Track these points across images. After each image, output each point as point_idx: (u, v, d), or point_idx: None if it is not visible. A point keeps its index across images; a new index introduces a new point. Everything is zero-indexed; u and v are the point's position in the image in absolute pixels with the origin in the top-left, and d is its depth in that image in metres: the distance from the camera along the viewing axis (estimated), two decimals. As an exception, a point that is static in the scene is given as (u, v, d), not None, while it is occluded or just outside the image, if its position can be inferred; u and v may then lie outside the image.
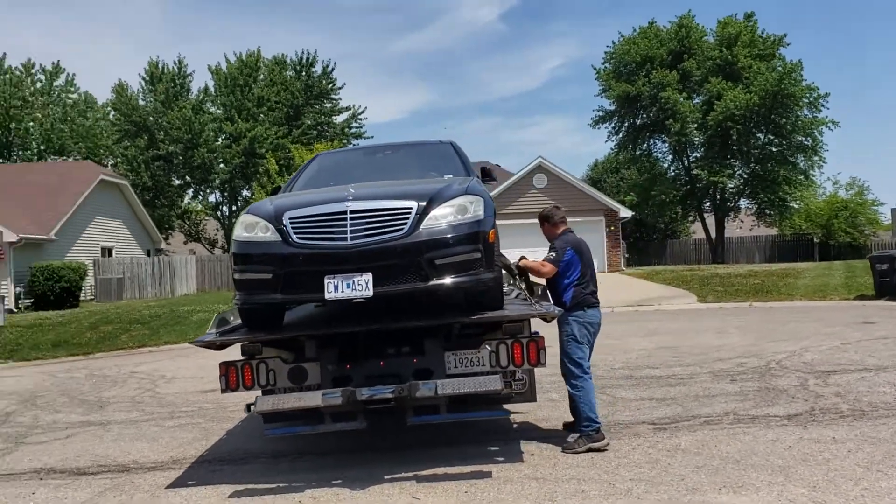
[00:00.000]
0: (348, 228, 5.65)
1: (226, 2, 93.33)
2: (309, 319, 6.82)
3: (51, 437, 8.38)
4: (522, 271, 7.12)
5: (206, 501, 5.65)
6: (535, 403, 7.66)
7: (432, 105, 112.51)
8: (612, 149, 48.68)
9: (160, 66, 46.69)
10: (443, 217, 5.80)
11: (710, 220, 45.67)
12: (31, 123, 46.60)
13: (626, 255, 37.79)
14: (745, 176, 44.36)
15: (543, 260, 6.89)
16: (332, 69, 49.74)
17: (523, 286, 7.06)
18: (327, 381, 6.06)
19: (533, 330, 6.97)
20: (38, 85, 48.57)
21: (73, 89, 50.15)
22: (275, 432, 6.32)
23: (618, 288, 26.41)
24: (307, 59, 49.25)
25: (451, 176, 7.14)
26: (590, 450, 6.30)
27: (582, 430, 6.46)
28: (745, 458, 5.84)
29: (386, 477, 5.87)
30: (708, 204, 45.83)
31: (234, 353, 6.41)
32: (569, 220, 28.74)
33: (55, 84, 49.35)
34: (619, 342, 13.02)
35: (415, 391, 5.66)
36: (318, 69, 49.46)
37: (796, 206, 43.45)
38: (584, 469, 5.82)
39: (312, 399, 5.75)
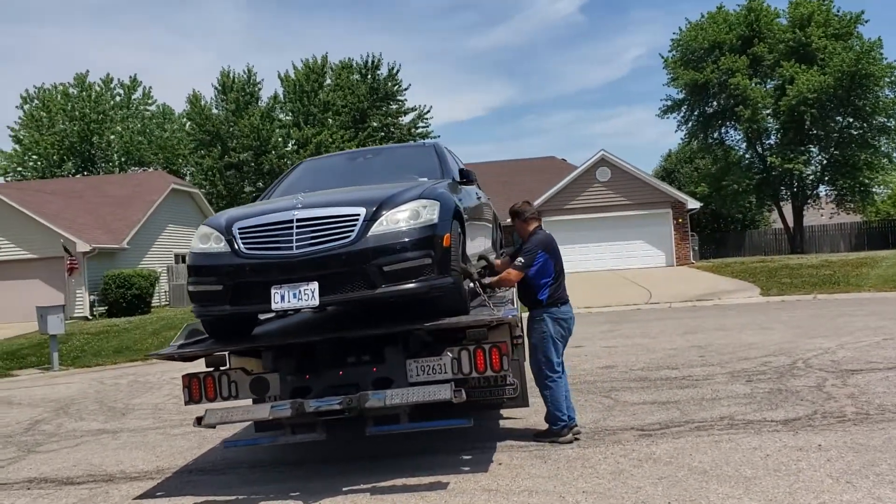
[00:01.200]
0: (294, 237, 5.62)
1: (304, 9, 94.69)
2: (276, 330, 6.80)
3: (62, 445, 8.63)
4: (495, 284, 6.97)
5: (163, 513, 5.70)
6: (529, 409, 7.53)
7: (512, 101, 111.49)
8: (681, 138, 47.51)
9: (231, 75, 47.92)
10: (392, 223, 5.70)
11: (788, 208, 43.96)
12: (112, 136, 48.56)
13: (697, 248, 36.68)
14: (824, 162, 42.52)
15: (510, 267, 6.83)
16: (398, 71, 50.19)
17: (484, 292, 6.83)
18: (286, 392, 6.02)
19: (517, 334, 6.89)
20: (117, 99, 50.55)
21: (150, 102, 52.02)
22: (235, 444, 6.35)
23: (681, 282, 25.70)
24: (372, 61, 49.79)
25: (425, 179, 7.01)
26: (553, 442, 6.62)
27: (551, 427, 6.72)
28: (716, 468, 5.53)
29: (344, 489, 5.80)
30: (785, 192, 44.11)
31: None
32: (634, 213, 28.32)
33: (133, 97, 51.29)
34: (652, 341, 12.62)
35: (364, 402, 5.56)
36: (383, 71, 49.95)
37: (880, 191, 41.40)
38: (542, 480, 5.61)
39: (260, 412, 5.74)
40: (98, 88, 49.94)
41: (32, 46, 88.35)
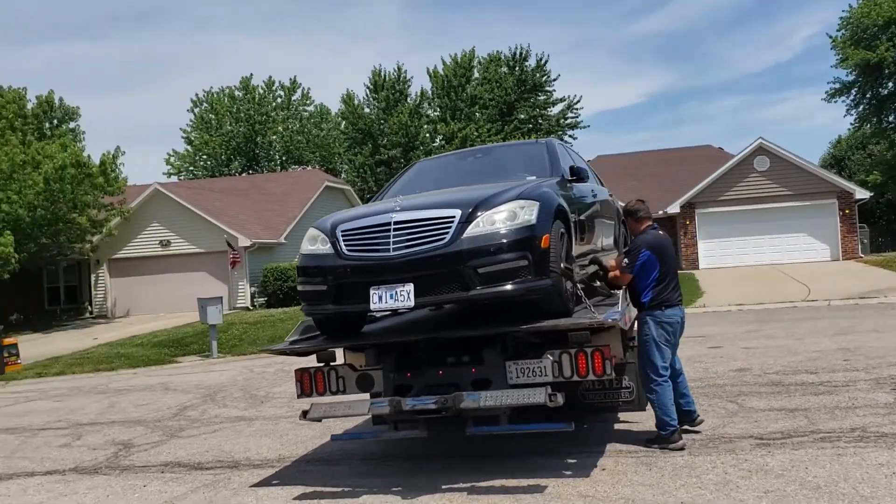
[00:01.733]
0: (391, 239, 5.74)
1: (460, 5, 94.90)
2: (383, 329, 6.95)
3: (202, 431, 9.23)
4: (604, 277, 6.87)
5: (273, 502, 5.98)
6: (646, 413, 7.32)
7: (673, 87, 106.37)
8: (851, 123, 44.31)
9: (382, 73, 49.25)
10: (488, 224, 5.71)
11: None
12: (274, 136, 51.25)
13: (867, 241, 34.09)
14: None
15: (617, 269, 6.83)
16: (546, 61, 49.87)
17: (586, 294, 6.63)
18: (389, 389, 6.17)
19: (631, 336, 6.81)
20: (279, 100, 53.24)
21: (308, 102, 54.46)
22: (340, 438, 6.57)
23: (845, 278, 24.04)
24: (520, 53, 49.71)
25: (534, 177, 6.96)
26: (663, 448, 6.42)
27: (660, 433, 6.53)
28: (831, 484, 5.16)
29: (444, 486, 5.87)
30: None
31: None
32: (796, 204, 26.95)
33: (293, 98, 53.84)
34: (797, 342, 11.90)
35: (459, 402, 5.61)
36: (531, 62, 49.74)
37: None
38: (642, 488, 5.44)
39: (360, 408, 5.92)
40: (261, 91, 52.83)
41: (202, 53, 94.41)
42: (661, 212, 33.97)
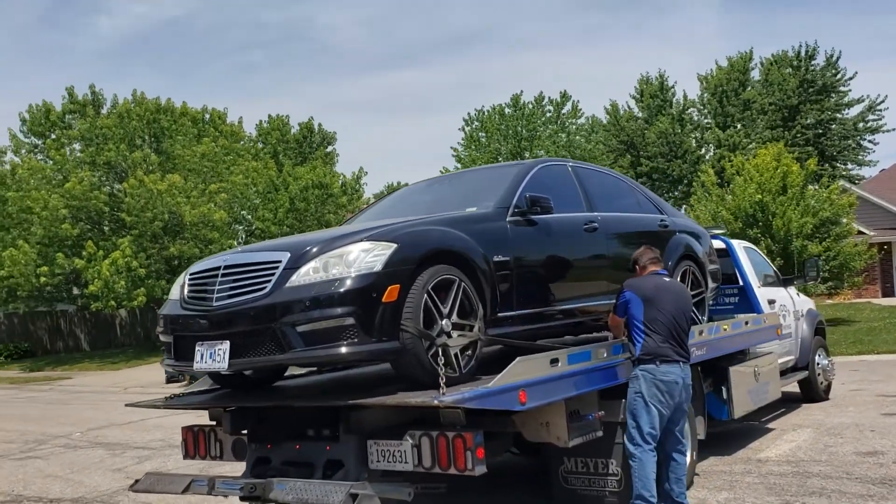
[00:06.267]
0: (216, 288, 4.91)
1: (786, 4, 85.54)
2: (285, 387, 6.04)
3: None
4: None
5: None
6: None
7: None
8: None
9: (649, 81, 46.81)
10: (321, 271, 4.68)
11: None
12: (541, 152, 51.03)
13: None
14: None
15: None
16: (838, 58, 43.89)
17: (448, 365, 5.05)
18: (251, 460, 5.34)
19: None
20: (547, 115, 52.97)
21: (578, 115, 53.52)
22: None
23: None
24: (806, 51, 44.34)
25: (474, 208, 5.70)
26: None
27: None
28: None
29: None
30: None
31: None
32: None
33: (563, 112, 53.22)
34: None
35: (269, 492, 4.63)
36: (819, 61, 44.12)
37: None
38: None
39: (179, 484, 5.13)
40: (531, 107, 52.83)
41: (515, 72, 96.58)
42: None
